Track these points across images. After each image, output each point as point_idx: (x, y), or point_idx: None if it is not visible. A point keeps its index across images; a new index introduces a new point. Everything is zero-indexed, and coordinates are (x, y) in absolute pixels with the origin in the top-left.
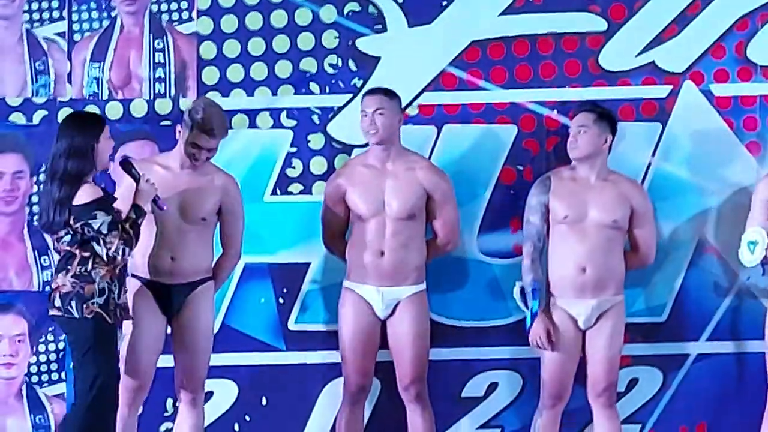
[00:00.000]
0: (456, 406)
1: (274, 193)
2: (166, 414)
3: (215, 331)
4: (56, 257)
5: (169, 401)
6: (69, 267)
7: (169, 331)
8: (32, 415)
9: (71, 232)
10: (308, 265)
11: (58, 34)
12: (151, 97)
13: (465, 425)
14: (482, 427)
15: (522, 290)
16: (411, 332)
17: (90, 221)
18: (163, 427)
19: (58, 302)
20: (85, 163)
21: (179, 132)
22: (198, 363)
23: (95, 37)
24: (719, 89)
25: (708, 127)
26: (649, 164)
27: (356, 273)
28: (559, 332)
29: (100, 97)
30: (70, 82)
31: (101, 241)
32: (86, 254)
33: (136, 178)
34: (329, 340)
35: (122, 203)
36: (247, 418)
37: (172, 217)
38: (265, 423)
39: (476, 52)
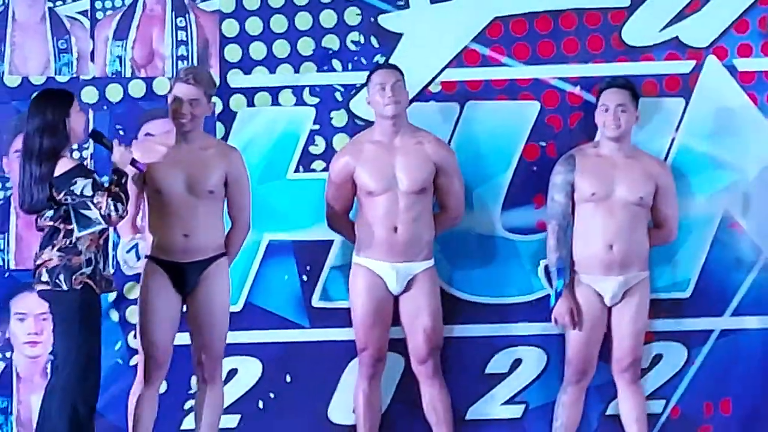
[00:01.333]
0: (480, 383)
1: (297, 170)
2: (190, 391)
3: (239, 308)
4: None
5: (194, 379)
6: (54, 241)
7: (184, 309)
8: None
9: (54, 207)
10: (331, 242)
11: (80, 13)
12: (174, 75)
13: (489, 401)
14: (506, 403)
15: (546, 269)
16: (426, 307)
17: (71, 188)
18: (187, 405)
19: (45, 277)
20: (60, 138)
21: (168, 102)
22: (215, 340)
23: (118, 16)
24: (743, 64)
25: (731, 102)
26: (673, 139)
27: (368, 249)
28: (582, 311)
29: (122, 76)
30: (92, 60)
31: (89, 204)
32: (70, 227)
33: (108, 147)
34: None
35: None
36: (272, 395)
37: (180, 193)
38: (290, 400)
39: (499, 28)
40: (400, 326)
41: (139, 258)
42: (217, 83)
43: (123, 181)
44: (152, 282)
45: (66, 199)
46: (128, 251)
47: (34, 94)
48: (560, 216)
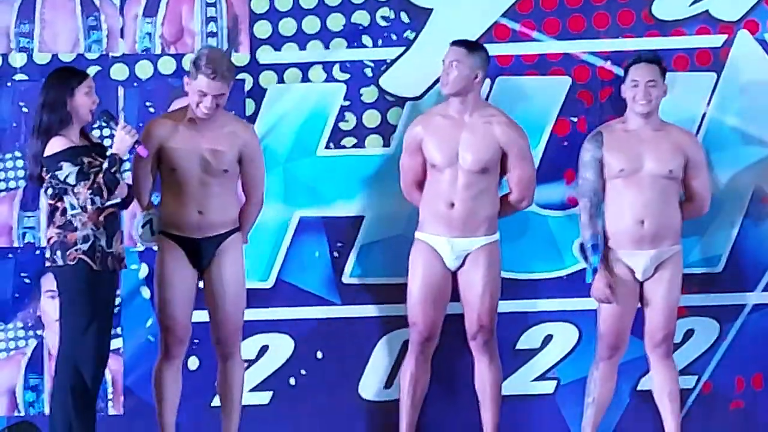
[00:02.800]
0: (511, 359)
1: (327, 147)
2: None
3: (270, 285)
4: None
5: None
6: (54, 219)
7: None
8: None
9: (50, 185)
10: (362, 218)
11: None
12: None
13: (521, 377)
14: (538, 379)
15: (582, 246)
16: (481, 282)
17: (56, 173)
18: None
19: (48, 253)
20: (57, 116)
21: (187, 83)
22: (233, 315)
23: None
24: None
25: (763, 77)
26: (704, 114)
27: (428, 223)
28: (618, 285)
29: (152, 52)
30: (122, 37)
31: (70, 192)
32: (65, 204)
33: (113, 128)
34: (384, 293)
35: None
36: (303, 372)
37: (195, 172)
38: (321, 377)
39: (529, 3)
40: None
41: (153, 233)
42: (246, 60)
43: (113, 169)
44: (168, 257)
45: (50, 182)
46: (143, 225)
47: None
48: (590, 193)
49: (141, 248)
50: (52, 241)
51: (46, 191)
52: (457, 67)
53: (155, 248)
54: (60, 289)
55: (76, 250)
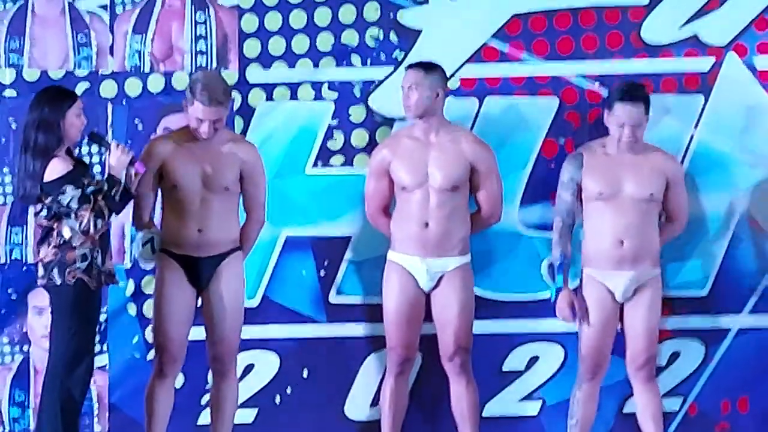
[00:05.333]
0: (497, 379)
1: (315, 165)
2: (207, 386)
3: (256, 303)
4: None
5: (210, 374)
6: (49, 240)
7: (199, 303)
8: None
9: (46, 207)
10: (349, 237)
11: (100, 7)
12: (193, 70)
13: (506, 398)
14: (524, 399)
15: (551, 265)
16: (456, 303)
17: (59, 197)
18: (204, 400)
19: (42, 272)
20: (53, 136)
21: (184, 106)
22: (230, 334)
23: (137, 10)
24: (762, 62)
25: (751, 100)
26: (692, 137)
27: (401, 244)
28: (588, 306)
29: (141, 70)
30: (112, 54)
31: (72, 216)
32: (63, 226)
33: (107, 148)
34: (370, 312)
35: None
36: (289, 390)
37: (196, 189)
38: (307, 395)
39: (518, 25)
40: (427, 322)
41: (154, 251)
42: (235, 79)
43: (113, 192)
44: (167, 275)
45: (52, 206)
46: (144, 244)
47: (41, 88)
48: (564, 213)
49: (128, 265)
50: (47, 261)
51: (39, 212)
52: (417, 89)
53: (146, 267)
54: (54, 307)
55: (75, 269)
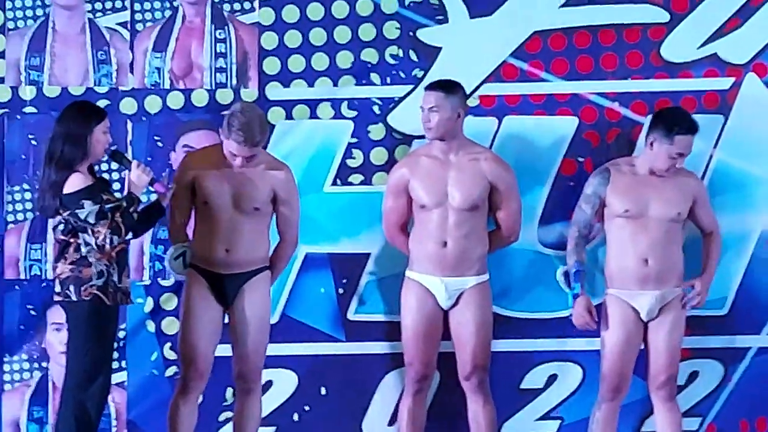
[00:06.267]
0: (515, 398)
1: (334, 183)
2: (225, 403)
3: (275, 320)
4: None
5: (230, 390)
6: (66, 255)
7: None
8: None
9: (63, 221)
10: (368, 255)
11: (120, 24)
12: (213, 87)
13: (524, 417)
14: (542, 418)
15: (566, 273)
16: (474, 321)
17: (77, 211)
18: (222, 416)
19: (58, 288)
20: (78, 150)
21: (220, 132)
22: (254, 352)
23: (157, 27)
24: None
25: None
26: (711, 156)
27: (419, 263)
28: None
29: (161, 87)
30: (132, 71)
31: (89, 231)
32: (80, 241)
33: (128, 167)
34: (389, 330)
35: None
36: (307, 408)
37: (226, 208)
38: (325, 413)
39: (537, 43)
40: (445, 341)
41: (186, 266)
42: (255, 96)
43: (131, 209)
44: (194, 291)
45: (69, 220)
46: (176, 258)
47: (70, 102)
48: (582, 224)
49: (147, 282)
50: (64, 276)
51: (57, 226)
52: (438, 111)
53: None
54: (71, 324)
55: (91, 286)
